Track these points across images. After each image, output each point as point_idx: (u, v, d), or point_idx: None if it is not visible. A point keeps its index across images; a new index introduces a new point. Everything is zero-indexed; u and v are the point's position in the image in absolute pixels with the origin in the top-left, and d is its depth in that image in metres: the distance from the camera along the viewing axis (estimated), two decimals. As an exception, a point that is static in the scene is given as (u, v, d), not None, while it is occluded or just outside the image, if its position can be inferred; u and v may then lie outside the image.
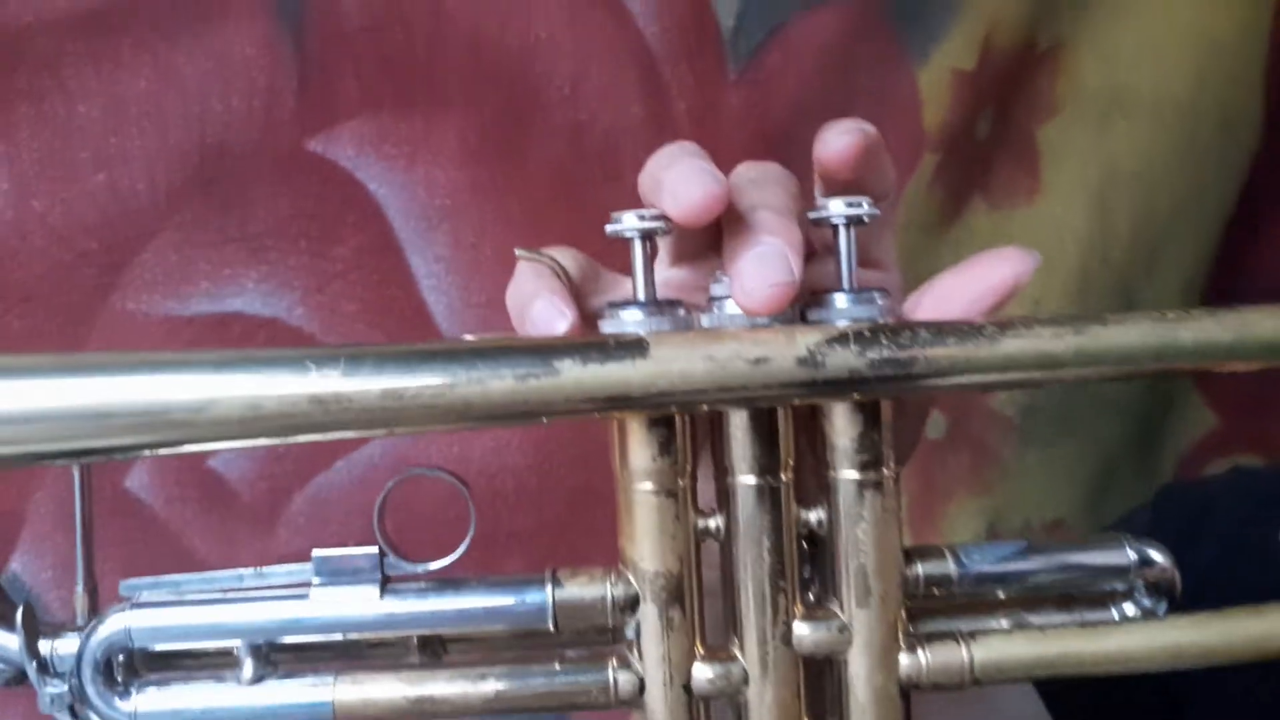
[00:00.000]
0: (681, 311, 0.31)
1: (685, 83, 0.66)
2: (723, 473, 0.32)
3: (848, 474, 0.31)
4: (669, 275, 0.36)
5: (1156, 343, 0.30)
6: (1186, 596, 0.35)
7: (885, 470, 0.32)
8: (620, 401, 0.28)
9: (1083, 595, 0.35)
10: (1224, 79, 0.74)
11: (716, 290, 0.32)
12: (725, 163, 0.67)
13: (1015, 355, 0.30)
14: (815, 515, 0.32)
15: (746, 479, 0.31)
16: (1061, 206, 0.76)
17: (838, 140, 0.30)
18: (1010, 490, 0.80)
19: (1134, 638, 0.33)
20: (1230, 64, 0.74)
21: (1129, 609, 0.34)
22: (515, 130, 0.65)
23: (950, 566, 0.33)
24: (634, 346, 0.29)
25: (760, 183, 0.33)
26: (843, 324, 0.31)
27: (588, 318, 0.34)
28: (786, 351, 0.29)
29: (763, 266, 0.30)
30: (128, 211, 0.61)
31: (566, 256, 0.34)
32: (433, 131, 0.65)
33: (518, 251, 0.33)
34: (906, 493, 0.78)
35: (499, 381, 0.28)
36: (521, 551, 0.66)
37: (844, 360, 0.29)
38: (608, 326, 0.31)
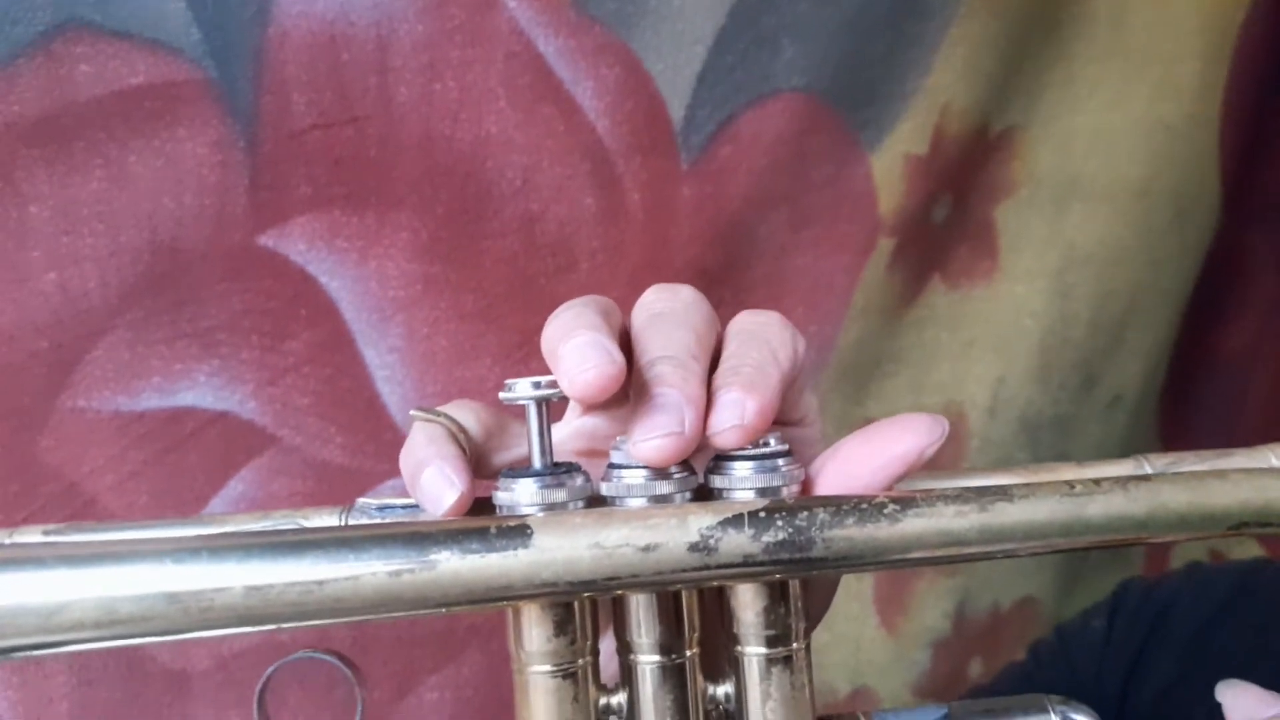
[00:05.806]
0: (580, 480, 0.31)
1: (638, 175, 0.66)
2: (625, 649, 0.31)
3: (754, 650, 0.31)
4: (581, 424, 0.35)
5: (1064, 519, 0.30)
6: (1144, 711, 0.34)
7: (794, 644, 0.31)
8: (502, 593, 0.28)
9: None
10: (1178, 164, 0.74)
11: (616, 458, 0.31)
12: (677, 252, 0.68)
13: (918, 535, 0.29)
14: (724, 689, 0.32)
15: (649, 657, 0.31)
16: (1021, 287, 0.76)
17: (721, 438, 0.30)
18: (980, 569, 0.80)
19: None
20: (1183, 149, 0.74)
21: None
22: (468, 223, 0.65)
23: (865, 736, 0.33)
24: (515, 534, 0.28)
25: (665, 320, 0.32)
26: (744, 496, 0.30)
27: (493, 476, 0.33)
28: (678, 537, 0.29)
29: (653, 417, 0.29)
30: (78, 310, 0.61)
31: (468, 413, 0.34)
32: (385, 226, 0.65)
33: (413, 412, 0.33)
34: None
35: (371, 576, 0.27)
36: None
37: (737, 545, 0.29)
38: (501, 497, 0.31)
